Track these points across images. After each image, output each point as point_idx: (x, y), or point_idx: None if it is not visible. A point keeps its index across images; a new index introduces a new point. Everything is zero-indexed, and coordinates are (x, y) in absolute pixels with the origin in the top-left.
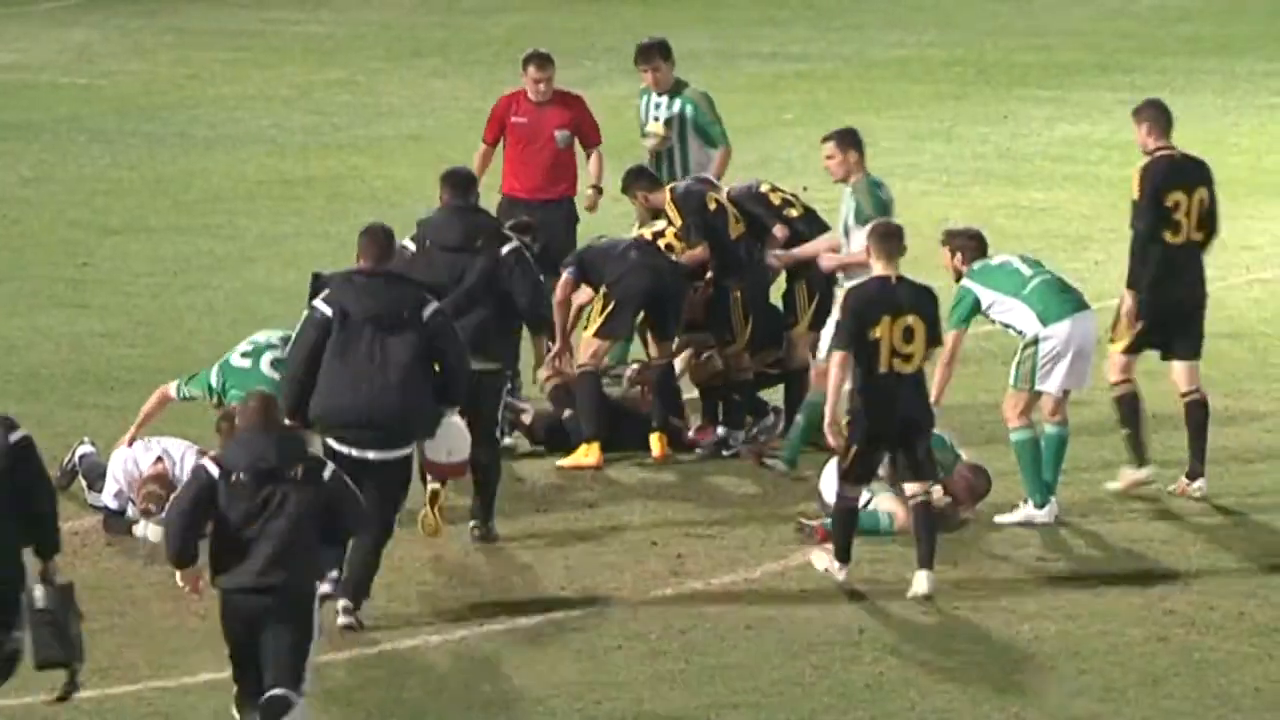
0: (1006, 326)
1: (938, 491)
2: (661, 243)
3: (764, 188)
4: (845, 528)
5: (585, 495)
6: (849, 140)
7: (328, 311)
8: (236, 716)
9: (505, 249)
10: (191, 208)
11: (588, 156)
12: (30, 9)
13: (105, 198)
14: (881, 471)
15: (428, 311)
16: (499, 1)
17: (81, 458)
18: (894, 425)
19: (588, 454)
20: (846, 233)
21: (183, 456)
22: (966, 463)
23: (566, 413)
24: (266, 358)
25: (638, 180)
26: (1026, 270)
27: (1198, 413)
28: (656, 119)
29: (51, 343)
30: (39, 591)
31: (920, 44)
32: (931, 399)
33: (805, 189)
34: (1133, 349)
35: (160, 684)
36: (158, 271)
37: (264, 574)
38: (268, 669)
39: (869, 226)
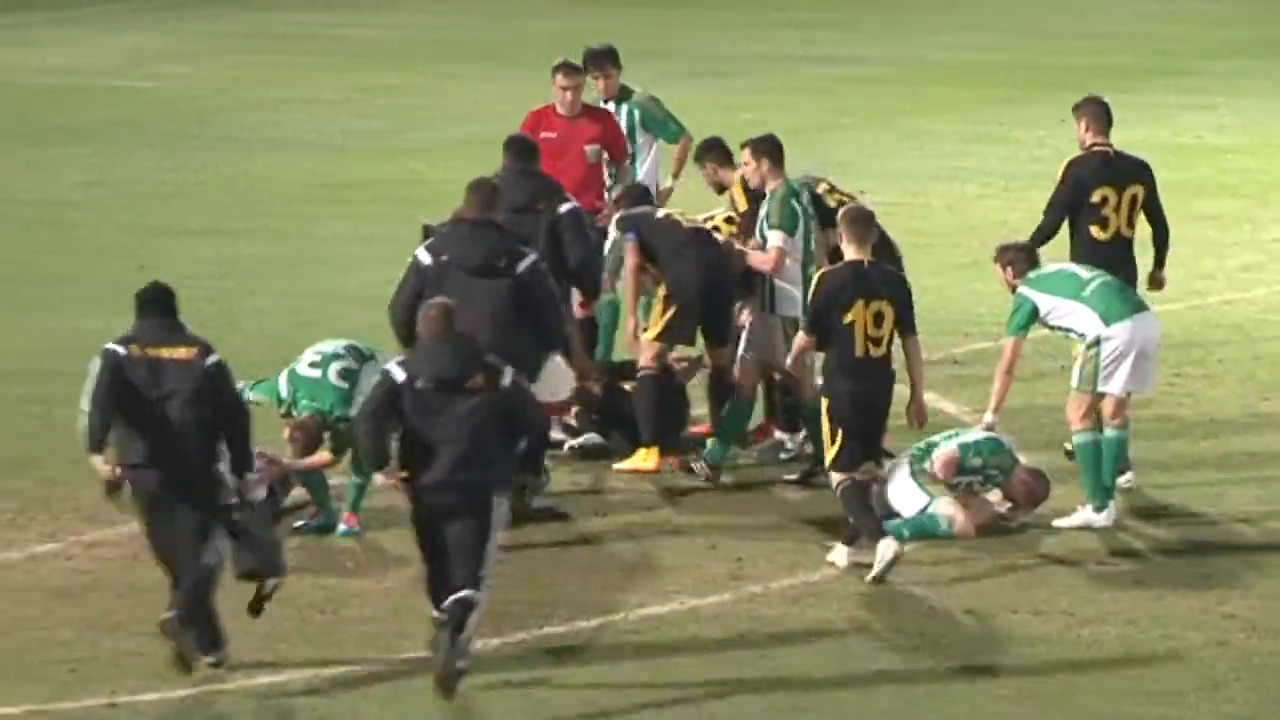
0: (1066, 332)
1: (994, 496)
2: (709, 225)
3: (821, 187)
4: (859, 505)
5: (643, 499)
6: (761, 148)
7: (426, 260)
8: (433, 610)
9: (563, 208)
10: (239, 211)
11: (613, 171)
12: (79, 13)
13: (155, 201)
14: (938, 472)
15: (523, 265)
16: (545, 6)
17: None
18: (870, 406)
19: (646, 458)
20: (763, 236)
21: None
22: (1026, 466)
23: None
24: (334, 367)
25: (712, 151)
26: (1085, 274)
27: None
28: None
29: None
30: (245, 504)
31: (975, 47)
32: (990, 406)
33: (863, 192)
34: None
35: (219, 686)
36: (208, 275)
37: (450, 475)
38: (452, 566)
39: (840, 212)
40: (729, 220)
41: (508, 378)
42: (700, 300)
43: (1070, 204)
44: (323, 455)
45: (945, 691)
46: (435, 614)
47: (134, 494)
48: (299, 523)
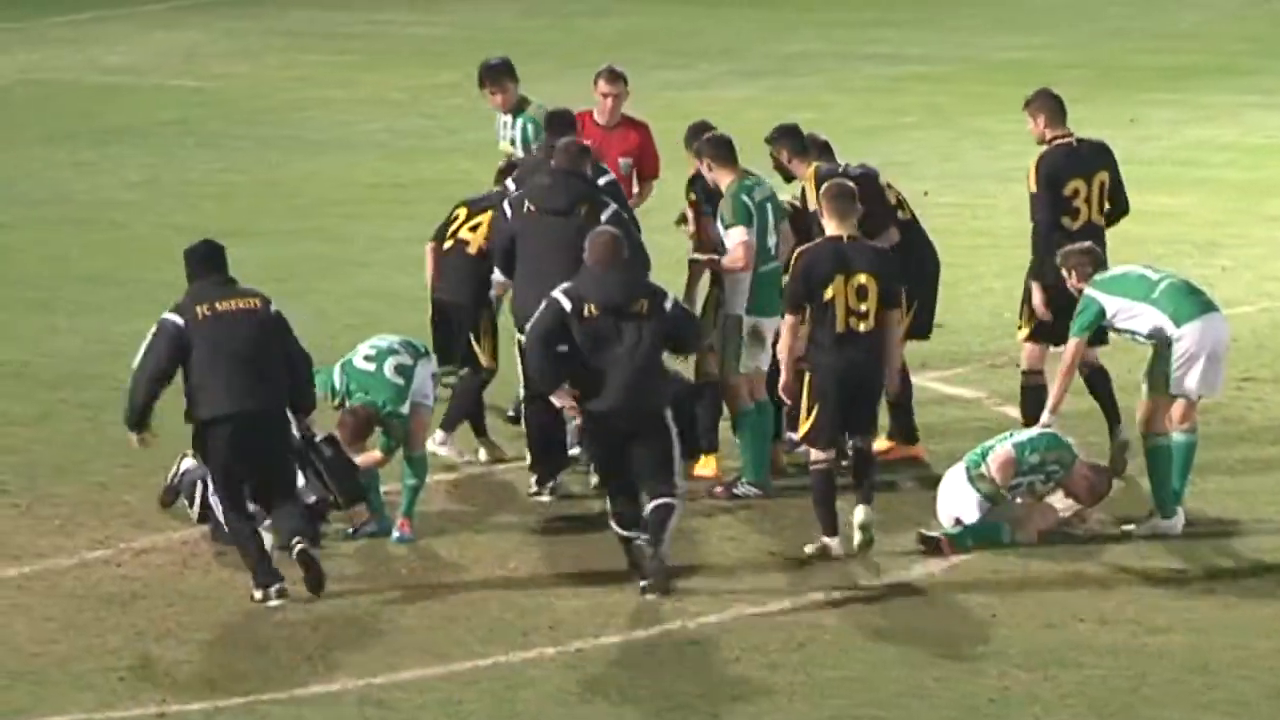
0: (1132, 335)
1: (1058, 501)
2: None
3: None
4: (823, 495)
5: (702, 504)
6: (707, 149)
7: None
8: (614, 526)
9: (605, 213)
10: (301, 212)
11: (640, 186)
12: (137, 10)
13: (213, 202)
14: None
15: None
16: (610, 4)
17: (184, 474)
18: (850, 385)
19: (705, 465)
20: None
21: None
22: (1086, 461)
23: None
24: (390, 363)
25: (787, 137)
26: (1153, 275)
27: (1101, 379)
28: (503, 138)
29: None
30: (309, 442)
31: (1039, 46)
32: (1049, 407)
33: (925, 193)
34: (1039, 337)
35: (271, 695)
36: (267, 277)
37: (623, 400)
38: (644, 481)
39: (823, 188)
40: (792, 208)
41: (669, 302)
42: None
43: (1052, 201)
44: (374, 455)
45: (1010, 700)
46: (622, 533)
47: (213, 444)
48: (352, 529)
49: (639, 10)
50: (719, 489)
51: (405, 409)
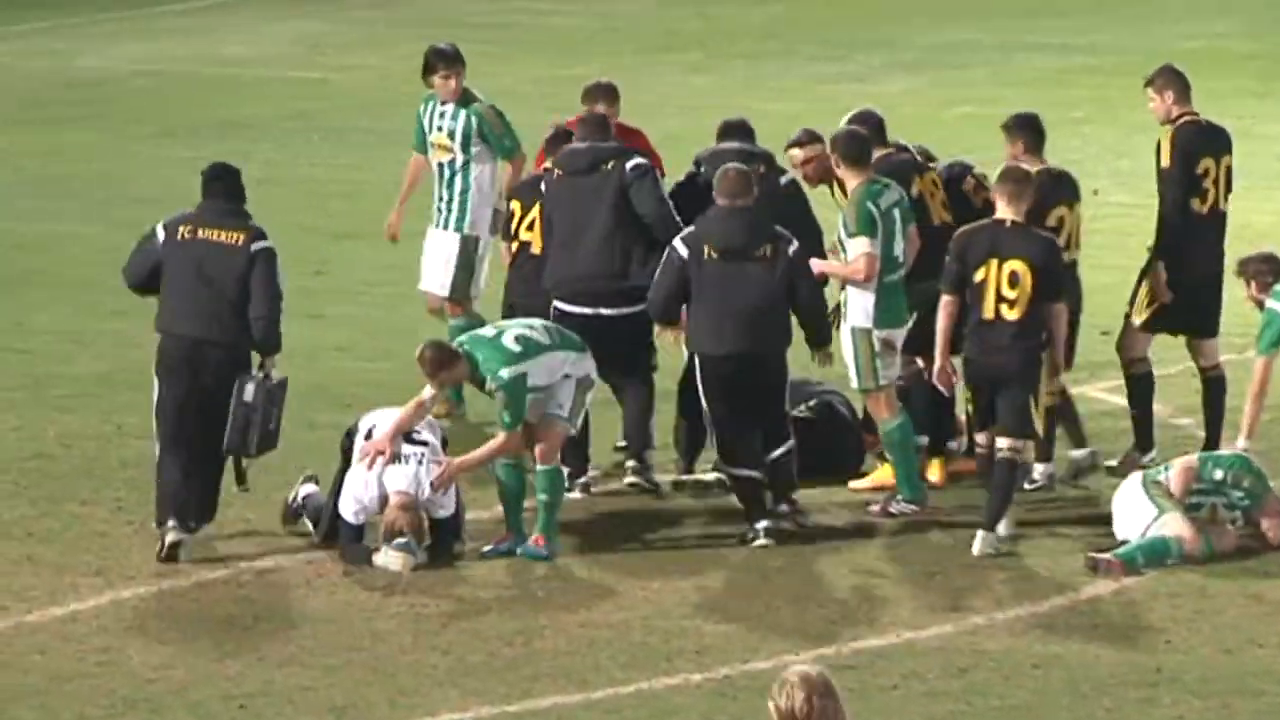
0: None
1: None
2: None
3: (968, 183)
4: (1000, 484)
5: (858, 521)
6: (838, 145)
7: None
8: (725, 466)
9: (630, 163)
10: (428, 211)
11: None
12: None
13: (338, 200)
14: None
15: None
16: None
17: (305, 499)
18: (991, 371)
19: (887, 472)
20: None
21: (418, 475)
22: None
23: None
24: (513, 333)
25: (1024, 130)
26: None
27: (1217, 388)
28: (440, 129)
29: (283, 357)
30: (250, 386)
31: (1215, 35)
32: (1244, 431)
33: (1095, 192)
34: (1154, 326)
35: None
36: (394, 280)
37: (736, 342)
38: (761, 431)
39: (1001, 170)
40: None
41: (792, 247)
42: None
43: (1185, 179)
44: (423, 395)
45: None
46: (736, 471)
47: (157, 360)
48: (488, 547)
49: None
50: (875, 507)
51: (504, 374)
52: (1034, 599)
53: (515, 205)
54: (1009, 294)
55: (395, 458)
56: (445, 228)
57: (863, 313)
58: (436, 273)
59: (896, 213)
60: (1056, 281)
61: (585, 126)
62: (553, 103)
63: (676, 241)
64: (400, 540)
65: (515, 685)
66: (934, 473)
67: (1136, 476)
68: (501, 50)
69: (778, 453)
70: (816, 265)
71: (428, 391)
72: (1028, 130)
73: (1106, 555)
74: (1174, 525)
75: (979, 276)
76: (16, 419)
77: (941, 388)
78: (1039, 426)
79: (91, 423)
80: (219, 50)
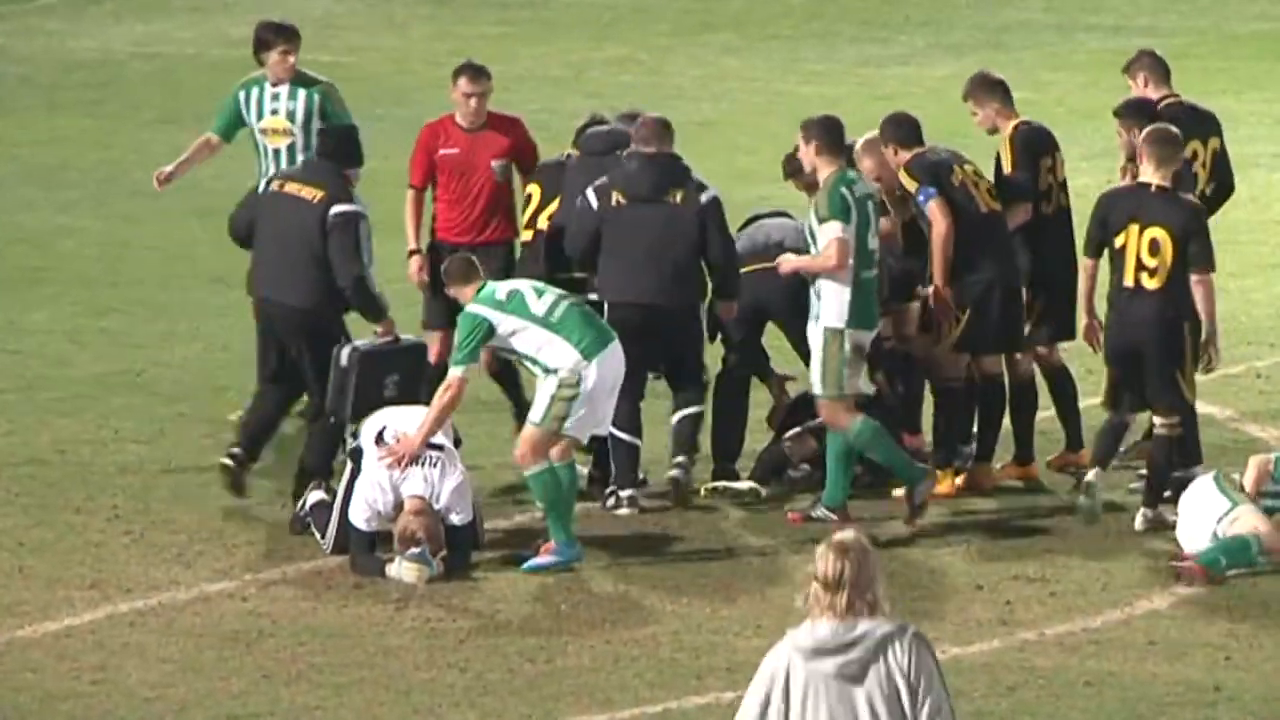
0: None
1: None
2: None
3: (956, 177)
4: (1157, 463)
5: (900, 531)
6: (813, 130)
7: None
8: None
9: (705, 196)
10: None
11: (526, 183)
12: None
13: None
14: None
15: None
16: None
17: (313, 507)
18: (1129, 345)
19: (942, 480)
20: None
21: (433, 479)
22: None
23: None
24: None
25: (902, 130)
26: None
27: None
28: (274, 112)
29: None
30: (346, 350)
31: None
32: None
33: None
34: None
35: None
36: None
37: (641, 292)
38: (670, 386)
39: (1146, 131)
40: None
41: (706, 195)
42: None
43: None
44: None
45: None
46: (621, 436)
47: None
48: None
49: None
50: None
51: (471, 307)
52: (1086, 613)
53: (534, 191)
54: (1149, 262)
55: (413, 461)
56: None
57: (836, 311)
58: None
59: (870, 205)
60: (1200, 251)
61: (645, 133)
62: (584, 85)
63: (588, 190)
64: (414, 550)
65: (536, 705)
66: (945, 484)
67: (1209, 475)
68: (527, 31)
69: (685, 413)
70: (786, 263)
71: (455, 372)
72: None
73: (1188, 562)
74: (1248, 519)
75: (1119, 242)
76: (8, 423)
77: (1092, 346)
78: (1190, 398)
79: (87, 427)
80: (225, 31)
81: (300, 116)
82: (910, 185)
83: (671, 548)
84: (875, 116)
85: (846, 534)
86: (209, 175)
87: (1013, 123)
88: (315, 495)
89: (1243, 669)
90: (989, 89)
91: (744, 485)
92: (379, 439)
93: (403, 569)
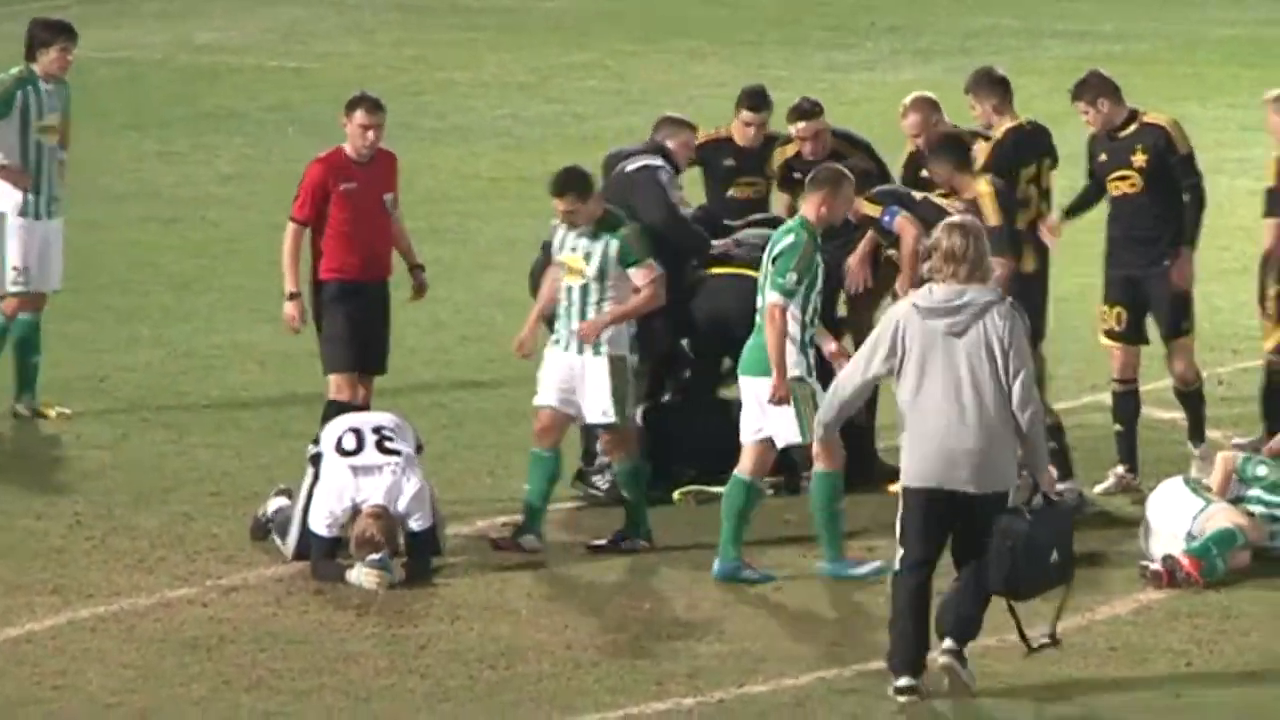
0: None
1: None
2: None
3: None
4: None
5: (866, 537)
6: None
7: None
8: None
9: (630, 166)
10: (415, 209)
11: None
12: None
13: None
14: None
15: None
16: None
17: (275, 513)
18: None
19: None
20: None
21: (391, 487)
22: None
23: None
24: None
25: (953, 153)
26: None
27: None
28: (53, 109)
29: (255, 362)
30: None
31: (1253, 21)
32: None
33: None
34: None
35: None
36: None
37: None
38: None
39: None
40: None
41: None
42: None
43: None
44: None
45: None
46: None
47: None
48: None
49: None
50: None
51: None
52: (1046, 620)
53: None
54: None
55: (368, 470)
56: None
57: (794, 359)
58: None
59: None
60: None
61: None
62: (549, 91)
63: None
64: (375, 557)
65: (497, 711)
66: None
67: (1177, 477)
68: (493, 37)
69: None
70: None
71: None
72: (985, 85)
73: (1181, 559)
74: (1224, 514)
75: None
76: None
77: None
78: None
79: (48, 431)
80: (192, 37)
81: (62, 114)
82: (872, 211)
83: (631, 555)
84: (841, 122)
85: (966, 216)
86: (170, 182)
87: (1006, 125)
88: (278, 501)
89: (1204, 675)
90: (989, 86)
91: (718, 490)
92: (338, 446)
93: (363, 575)
